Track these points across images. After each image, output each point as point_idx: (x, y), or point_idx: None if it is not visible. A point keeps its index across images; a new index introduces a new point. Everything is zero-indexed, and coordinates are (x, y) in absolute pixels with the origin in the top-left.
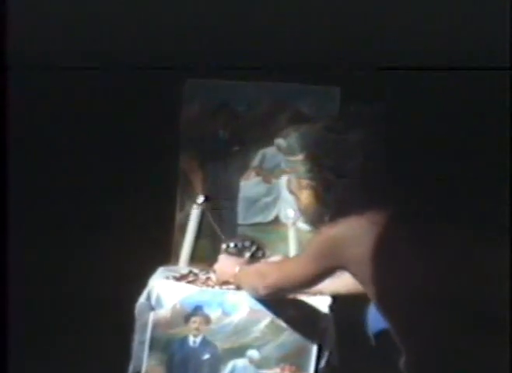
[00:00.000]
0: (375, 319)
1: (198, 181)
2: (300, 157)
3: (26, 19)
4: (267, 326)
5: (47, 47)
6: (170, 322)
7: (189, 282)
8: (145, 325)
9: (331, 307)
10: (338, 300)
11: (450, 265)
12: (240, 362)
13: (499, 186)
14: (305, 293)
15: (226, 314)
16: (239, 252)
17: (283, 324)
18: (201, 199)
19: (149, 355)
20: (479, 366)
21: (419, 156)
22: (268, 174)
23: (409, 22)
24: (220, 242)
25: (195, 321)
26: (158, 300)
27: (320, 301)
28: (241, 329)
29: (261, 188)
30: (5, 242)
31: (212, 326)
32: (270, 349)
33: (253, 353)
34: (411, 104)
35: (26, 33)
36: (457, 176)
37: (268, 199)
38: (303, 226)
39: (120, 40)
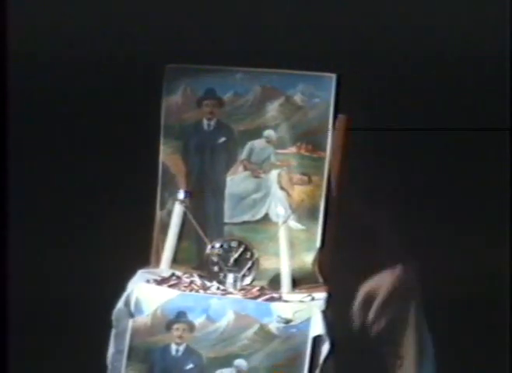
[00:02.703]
0: None
1: (180, 176)
2: (292, 150)
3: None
4: (256, 333)
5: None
6: (150, 330)
7: (171, 286)
8: (123, 332)
9: (325, 311)
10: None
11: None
12: (227, 372)
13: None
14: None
15: (210, 320)
16: (225, 254)
17: (273, 331)
18: (181, 194)
19: (127, 365)
20: (479, 366)
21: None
22: (257, 168)
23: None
24: (205, 242)
25: (178, 328)
26: (137, 305)
27: (314, 305)
28: (228, 337)
29: (250, 183)
30: None
31: (196, 334)
32: (259, 358)
33: (241, 362)
34: None
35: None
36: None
37: (257, 195)
38: (295, 225)
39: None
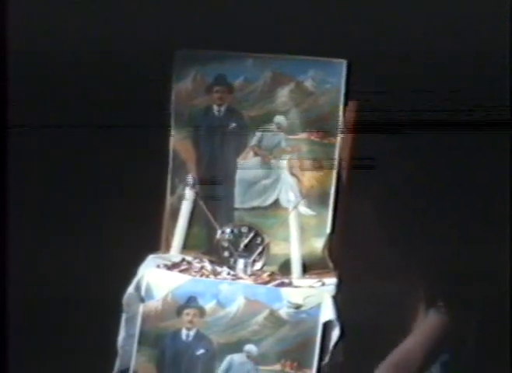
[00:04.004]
0: None
1: (190, 162)
2: (302, 135)
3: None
4: (266, 319)
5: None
6: (161, 315)
7: (182, 271)
8: (133, 317)
9: (335, 297)
10: (342, 289)
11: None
12: (237, 357)
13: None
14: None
15: (221, 305)
16: (235, 239)
17: (284, 316)
18: (191, 180)
19: (138, 350)
20: (479, 366)
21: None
22: (268, 154)
23: None
24: (215, 228)
25: (188, 313)
26: (148, 290)
27: (324, 291)
28: (238, 322)
29: (260, 169)
30: None
31: (207, 319)
32: (269, 343)
33: (251, 348)
34: None
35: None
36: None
37: (268, 181)
38: (305, 210)
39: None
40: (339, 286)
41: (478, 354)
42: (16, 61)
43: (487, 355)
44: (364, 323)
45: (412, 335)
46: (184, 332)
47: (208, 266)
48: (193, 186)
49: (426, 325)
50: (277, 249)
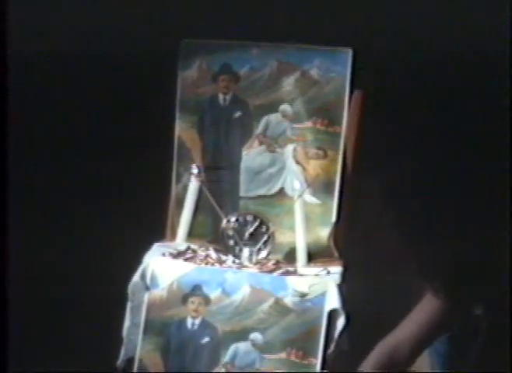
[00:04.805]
0: None
1: (196, 150)
2: (308, 124)
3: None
4: (271, 307)
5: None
6: (166, 303)
7: (187, 259)
8: (139, 306)
9: (340, 285)
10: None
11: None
12: (243, 346)
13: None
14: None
15: (226, 294)
16: (241, 228)
17: (289, 305)
18: (195, 169)
19: (144, 339)
20: (479, 366)
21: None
22: (273, 142)
23: None
24: (220, 216)
25: (194, 301)
26: (153, 279)
27: (329, 279)
28: (243, 311)
29: (265, 158)
30: None
31: (212, 307)
32: (275, 332)
33: (256, 336)
34: None
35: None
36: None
37: (273, 170)
38: (311, 199)
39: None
40: (344, 274)
41: (478, 346)
42: (17, 59)
43: (487, 354)
44: (369, 312)
45: (405, 321)
46: (189, 320)
47: (213, 254)
48: (198, 175)
49: (420, 311)
50: (282, 237)
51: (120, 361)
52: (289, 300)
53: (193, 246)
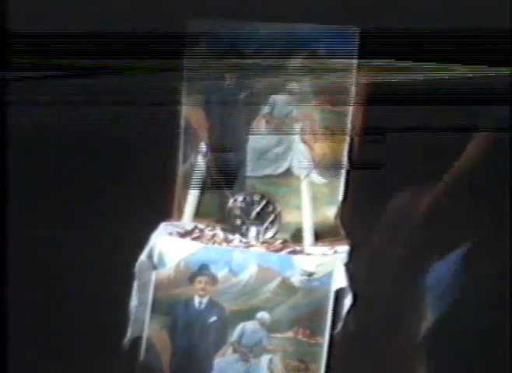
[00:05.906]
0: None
1: (202, 130)
2: (315, 103)
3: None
4: (278, 286)
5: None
6: (173, 282)
7: (194, 239)
8: (146, 285)
9: (348, 264)
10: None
11: None
12: (250, 325)
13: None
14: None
15: (233, 273)
16: (247, 207)
17: (296, 284)
18: (203, 148)
19: (151, 318)
20: (479, 366)
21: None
22: (280, 122)
23: None
24: (227, 196)
25: (201, 281)
26: (160, 258)
27: (336, 258)
28: (250, 290)
29: (271, 137)
30: None
31: (219, 287)
32: (282, 311)
33: (263, 315)
34: None
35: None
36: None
37: (279, 149)
38: (317, 178)
39: None
40: (351, 254)
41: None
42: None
43: (487, 355)
44: (376, 291)
45: None
46: (196, 299)
47: (220, 233)
48: (205, 154)
49: None
50: (289, 217)
51: (127, 340)
52: (296, 279)
53: (200, 226)
